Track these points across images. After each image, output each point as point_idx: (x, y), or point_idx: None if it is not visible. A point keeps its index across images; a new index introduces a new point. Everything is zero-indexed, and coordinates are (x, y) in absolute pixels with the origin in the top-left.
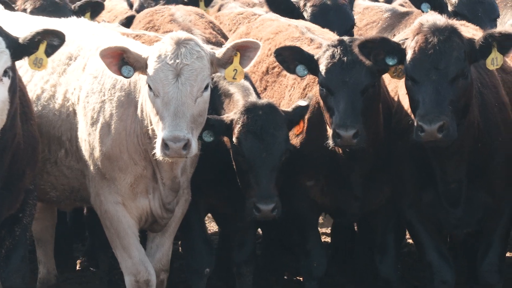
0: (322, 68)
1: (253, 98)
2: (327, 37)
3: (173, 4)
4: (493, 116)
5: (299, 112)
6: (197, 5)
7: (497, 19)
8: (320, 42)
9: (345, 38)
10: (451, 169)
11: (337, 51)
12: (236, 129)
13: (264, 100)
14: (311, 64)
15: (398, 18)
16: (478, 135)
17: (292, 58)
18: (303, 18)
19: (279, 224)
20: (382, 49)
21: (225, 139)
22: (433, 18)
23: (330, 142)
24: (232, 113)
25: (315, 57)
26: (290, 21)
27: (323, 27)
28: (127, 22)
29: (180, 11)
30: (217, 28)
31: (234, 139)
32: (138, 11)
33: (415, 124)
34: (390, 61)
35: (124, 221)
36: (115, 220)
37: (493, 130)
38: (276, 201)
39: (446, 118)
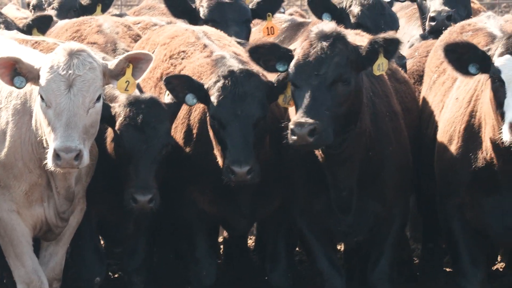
0: (214, 100)
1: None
2: (222, 43)
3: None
4: (384, 125)
5: (179, 103)
6: (94, 10)
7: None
8: (212, 49)
9: (236, 69)
10: (342, 176)
11: (228, 82)
12: (118, 122)
13: (147, 94)
14: (200, 93)
15: (294, 30)
16: (369, 143)
17: (181, 87)
18: (199, 19)
19: (171, 232)
20: (273, 55)
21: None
22: (323, 25)
23: (224, 176)
24: (117, 105)
25: (205, 86)
26: (189, 26)
27: (219, 21)
28: None
29: (108, 22)
30: None
31: (116, 131)
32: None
33: (289, 128)
34: (281, 67)
35: (18, 229)
36: (9, 228)
37: (384, 138)
38: (154, 192)
39: (318, 122)
